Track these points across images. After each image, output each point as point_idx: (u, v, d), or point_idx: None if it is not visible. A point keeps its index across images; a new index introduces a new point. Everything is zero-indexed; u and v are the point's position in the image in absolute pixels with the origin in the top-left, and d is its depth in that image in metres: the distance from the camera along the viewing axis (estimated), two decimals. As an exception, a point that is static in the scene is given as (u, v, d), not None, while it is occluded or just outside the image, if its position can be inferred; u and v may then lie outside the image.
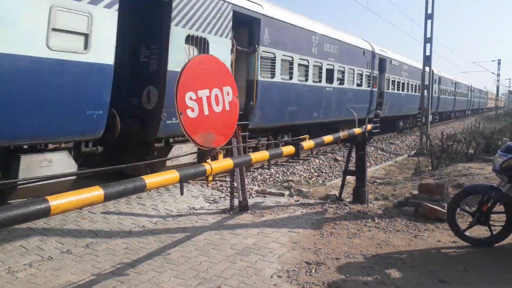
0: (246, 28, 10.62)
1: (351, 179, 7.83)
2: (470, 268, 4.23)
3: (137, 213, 6.29)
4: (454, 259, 4.55)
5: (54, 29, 5.54)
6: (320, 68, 14.04)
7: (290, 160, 12.90)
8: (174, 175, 3.48)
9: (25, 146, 5.84)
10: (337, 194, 7.28)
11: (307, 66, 13.11)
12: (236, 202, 6.49)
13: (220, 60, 4.73)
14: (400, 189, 8.20)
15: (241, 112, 8.82)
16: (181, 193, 4.41)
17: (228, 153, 6.70)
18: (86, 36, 5.95)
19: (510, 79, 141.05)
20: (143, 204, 6.70)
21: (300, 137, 5.93)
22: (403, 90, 23.82)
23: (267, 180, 10.19)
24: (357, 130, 7.15)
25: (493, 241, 4.83)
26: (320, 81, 14.06)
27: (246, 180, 6.77)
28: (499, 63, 68.42)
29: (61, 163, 6.01)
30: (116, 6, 6.38)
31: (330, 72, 14.72)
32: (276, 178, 10.46)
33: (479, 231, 5.05)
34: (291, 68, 12.22)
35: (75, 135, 6.16)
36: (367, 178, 7.30)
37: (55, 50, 5.56)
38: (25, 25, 5.24)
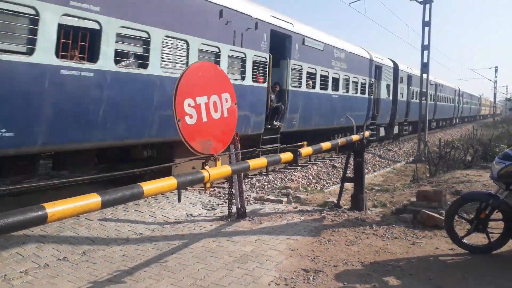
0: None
1: (349, 186, 7.82)
2: (468, 275, 4.22)
3: (134, 220, 6.27)
4: (452, 266, 4.54)
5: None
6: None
7: (288, 167, 12.91)
8: (171, 182, 3.47)
9: None
10: (335, 201, 7.27)
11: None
12: (234, 209, 6.47)
13: (218, 67, 4.75)
14: (398, 196, 8.20)
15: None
16: (179, 200, 4.39)
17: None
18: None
19: (507, 86, 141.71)
20: (140, 211, 6.68)
21: (298, 143, 5.94)
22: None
23: (265, 187, 10.18)
24: (355, 137, 7.17)
25: (491, 249, 4.82)
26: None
27: (244, 186, 6.76)
28: (496, 70, 68.93)
29: None
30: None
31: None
32: (274, 185, 10.45)
33: (477, 239, 5.04)
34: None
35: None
36: (365, 185, 7.30)
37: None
38: None
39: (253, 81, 10.52)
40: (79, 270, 4.45)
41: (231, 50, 9.53)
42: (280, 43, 11.99)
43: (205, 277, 4.22)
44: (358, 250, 4.96)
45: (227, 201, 6.70)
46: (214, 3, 8.97)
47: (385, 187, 10.08)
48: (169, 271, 4.37)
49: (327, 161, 15.08)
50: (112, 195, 2.90)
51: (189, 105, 4.10)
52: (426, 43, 19.91)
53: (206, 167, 4.04)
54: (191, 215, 6.69)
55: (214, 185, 8.92)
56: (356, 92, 17.50)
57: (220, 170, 4.19)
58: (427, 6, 19.76)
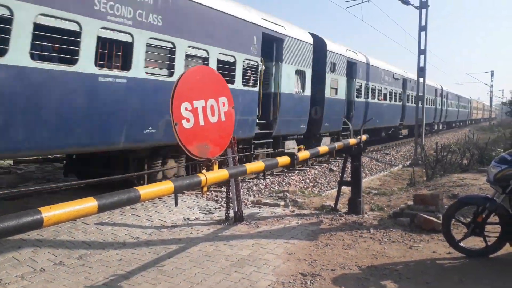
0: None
1: (346, 189, 7.83)
2: (465, 279, 4.23)
3: (131, 224, 6.25)
4: (449, 270, 4.54)
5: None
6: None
7: (286, 170, 12.90)
8: (168, 186, 3.46)
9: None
10: (333, 205, 7.27)
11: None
12: (231, 213, 6.46)
13: (215, 71, 4.75)
14: (395, 199, 8.21)
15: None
16: (176, 204, 4.40)
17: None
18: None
19: (503, 90, 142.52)
20: (137, 215, 6.66)
21: (296, 147, 5.94)
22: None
23: (263, 191, 10.18)
24: (352, 141, 7.18)
25: (488, 252, 4.83)
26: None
27: (241, 190, 6.75)
28: (492, 75, 69.38)
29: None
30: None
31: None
32: (272, 189, 10.45)
33: (474, 242, 5.05)
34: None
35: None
36: (363, 189, 7.31)
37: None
38: None
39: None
40: (75, 274, 4.42)
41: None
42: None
43: (202, 281, 4.20)
44: (355, 254, 4.96)
45: (224, 204, 6.68)
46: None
47: (382, 191, 10.10)
48: (166, 275, 4.35)
49: (325, 164, 15.09)
50: (108, 199, 2.88)
51: (186, 109, 4.09)
52: (422, 47, 20.02)
53: (203, 171, 4.03)
54: (188, 219, 6.68)
55: (211, 189, 8.90)
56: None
57: (217, 174, 4.18)
58: (423, 11, 19.88)
